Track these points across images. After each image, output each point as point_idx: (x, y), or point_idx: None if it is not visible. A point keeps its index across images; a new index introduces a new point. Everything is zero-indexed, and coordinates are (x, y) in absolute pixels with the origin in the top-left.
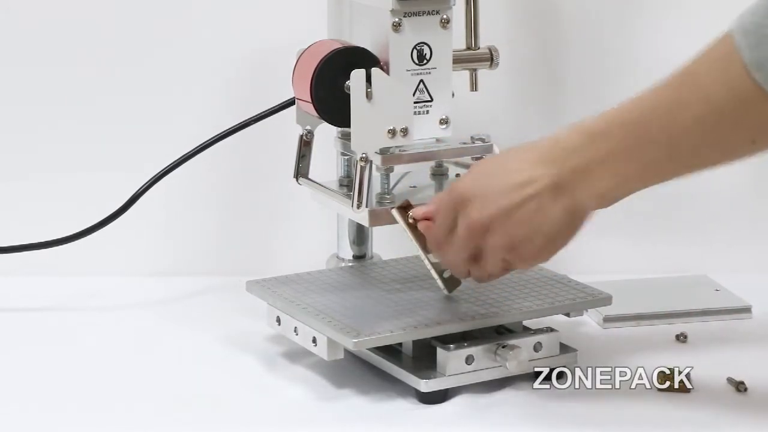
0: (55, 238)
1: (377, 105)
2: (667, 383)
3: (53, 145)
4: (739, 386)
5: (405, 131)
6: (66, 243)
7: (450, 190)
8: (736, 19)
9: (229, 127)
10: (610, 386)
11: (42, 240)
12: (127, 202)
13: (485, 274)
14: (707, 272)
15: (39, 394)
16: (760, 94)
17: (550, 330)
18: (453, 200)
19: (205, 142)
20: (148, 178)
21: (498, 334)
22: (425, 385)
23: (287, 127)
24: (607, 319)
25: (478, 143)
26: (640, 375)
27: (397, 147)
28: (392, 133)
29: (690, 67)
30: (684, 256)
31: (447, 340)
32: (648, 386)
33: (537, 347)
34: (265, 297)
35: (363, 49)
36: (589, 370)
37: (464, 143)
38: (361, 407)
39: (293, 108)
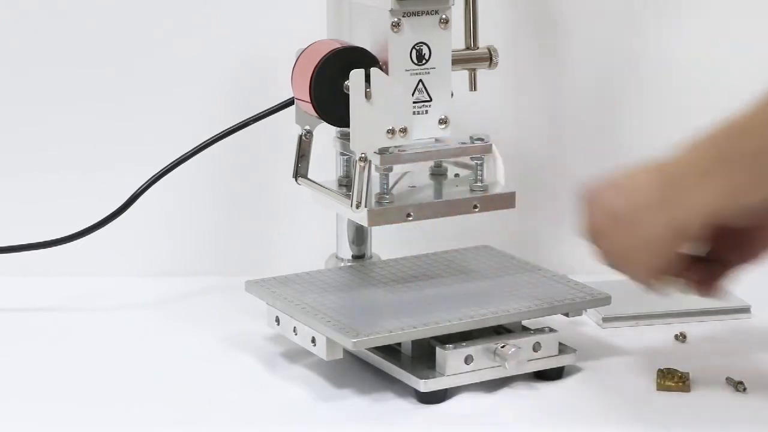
0: (55, 237)
1: (376, 105)
2: (667, 383)
3: (53, 145)
4: (738, 386)
5: (404, 131)
6: (66, 243)
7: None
8: None
9: (229, 126)
10: (609, 386)
11: (42, 240)
12: (126, 201)
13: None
14: None
15: (39, 394)
16: None
17: (550, 330)
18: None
19: (205, 141)
20: (148, 178)
21: (497, 334)
22: (424, 385)
23: (287, 127)
24: (607, 319)
25: (478, 143)
26: (639, 375)
27: (396, 147)
28: (391, 132)
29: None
30: None
31: (446, 340)
32: (647, 386)
33: (536, 347)
34: (265, 297)
35: (362, 48)
36: (589, 370)
37: (463, 143)
38: (360, 407)
39: (293, 108)
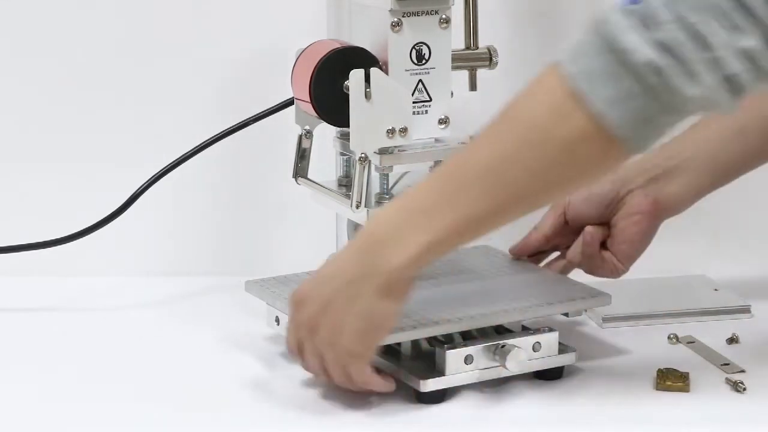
0: (55, 237)
1: (376, 105)
2: (667, 383)
3: (51, 145)
4: (738, 386)
5: (404, 131)
6: (66, 243)
7: (288, 301)
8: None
9: (229, 126)
10: (609, 386)
11: (42, 240)
12: (126, 201)
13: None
14: (706, 272)
15: (38, 394)
16: (576, 102)
17: (549, 330)
18: (291, 307)
19: (205, 141)
20: (148, 178)
21: (497, 334)
22: (424, 385)
23: (287, 127)
24: (606, 319)
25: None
26: (639, 375)
27: (396, 147)
28: (391, 132)
29: (507, 104)
30: (683, 255)
31: (446, 340)
32: (647, 386)
33: (536, 347)
34: (264, 297)
35: (362, 48)
36: (589, 370)
37: (463, 143)
38: (361, 407)
39: (292, 108)
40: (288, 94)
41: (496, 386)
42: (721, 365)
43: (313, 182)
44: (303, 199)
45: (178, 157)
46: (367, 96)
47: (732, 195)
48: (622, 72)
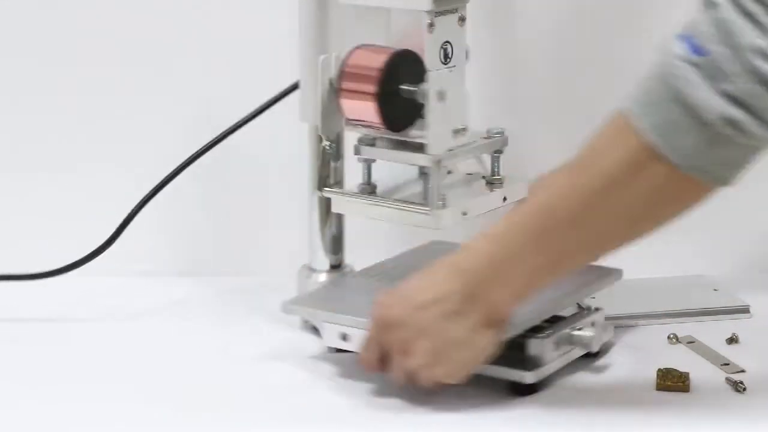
0: (55, 237)
1: (448, 105)
2: (667, 383)
3: (50, 145)
4: (738, 386)
5: (464, 130)
6: (72, 270)
7: (373, 316)
8: (627, 99)
9: (224, 130)
10: (609, 386)
11: (41, 239)
12: (135, 207)
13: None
14: (706, 272)
15: (41, 395)
16: (652, 155)
17: (597, 309)
18: (377, 328)
19: (209, 142)
20: (153, 185)
21: (555, 322)
22: (528, 377)
23: (287, 127)
24: (606, 319)
25: (496, 137)
26: (639, 375)
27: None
28: (456, 132)
29: (582, 151)
30: (683, 255)
31: (531, 332)
32: (647, 386)
33: (594, 324)
34: (320, 317)
35: (409, 50)
36: (589, 370)
37: (484, 137)
38: (361, 408)
39: (293, 107)
40: (272, 92)
41: (493, 389)
42: (721, 365)
43: (360, 194)
44: (303, 200)
45: (182, 161)
46: (442, 97)
47: (732, 195)
48: (695, 125)
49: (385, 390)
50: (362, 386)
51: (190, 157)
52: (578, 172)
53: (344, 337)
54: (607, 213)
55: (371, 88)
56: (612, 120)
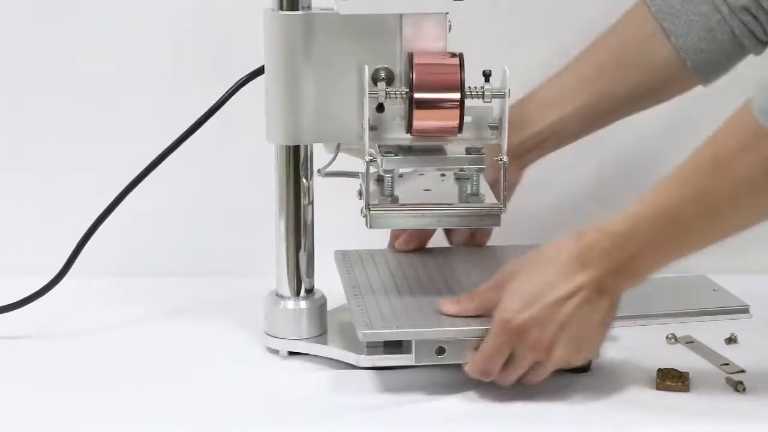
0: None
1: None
2: (667, 383)
3: (50, 145)
4: (738, 386)
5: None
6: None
7: (501, 323)
8: (756, 99)
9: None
10: (609, 386)
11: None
12: (112, 201)
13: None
14: (705, 272)
15: (38, 395)
16: None
17: None
18: (508, 334)
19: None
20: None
21: None
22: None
23: None
24: None
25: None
26: (639, 375)
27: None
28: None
29: (713, 151)
30: None
31: None
32: (647, 386)
33: None
34: (411, 336)
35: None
36: (589, 370)
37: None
38: (361, 408)
39: None
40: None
41: (493, 386)
42: (721, 365)
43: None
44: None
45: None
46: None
47: None
48: None
49: (385, 389)
50: (362, 386)
51: (167, 148)
52: (706, 172)
53: (441, 351)
54: (736, 216)
55: (456, 95)
56: (738, 117)
